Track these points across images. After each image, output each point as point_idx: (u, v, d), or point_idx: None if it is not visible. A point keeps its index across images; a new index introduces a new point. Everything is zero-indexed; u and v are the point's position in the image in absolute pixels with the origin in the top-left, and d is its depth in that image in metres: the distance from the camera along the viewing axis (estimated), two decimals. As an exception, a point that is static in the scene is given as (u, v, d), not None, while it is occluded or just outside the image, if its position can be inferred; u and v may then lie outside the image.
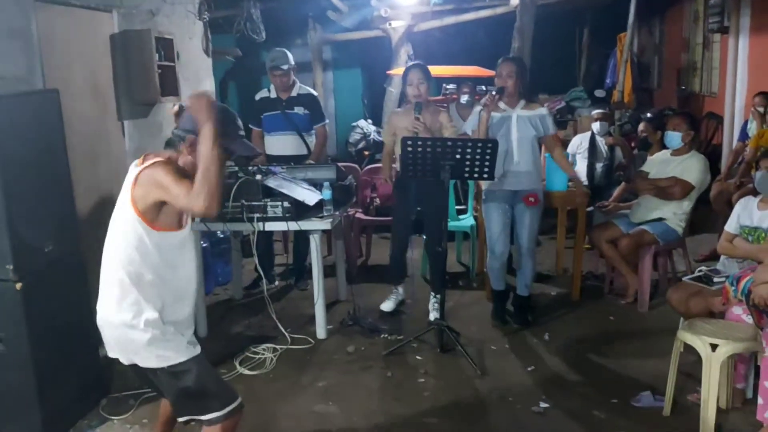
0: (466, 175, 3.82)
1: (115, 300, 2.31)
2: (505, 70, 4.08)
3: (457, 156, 3.69)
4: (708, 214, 5.66)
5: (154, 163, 2.26)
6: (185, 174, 2.24)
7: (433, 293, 4.43)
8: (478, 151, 3.68)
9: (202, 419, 2.37)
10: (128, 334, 2.29)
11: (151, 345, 2.28)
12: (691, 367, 3.40)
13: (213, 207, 2.15)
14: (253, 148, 2.66)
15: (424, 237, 4.68)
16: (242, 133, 2.50)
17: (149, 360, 2.32)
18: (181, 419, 2.46)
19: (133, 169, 2.31)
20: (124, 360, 2.38)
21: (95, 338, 3.36)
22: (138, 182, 2.24)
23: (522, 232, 4.23)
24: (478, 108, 4.29)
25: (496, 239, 4.20)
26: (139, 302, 2.27)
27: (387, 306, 4.53)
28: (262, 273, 3.98)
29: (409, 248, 4.58)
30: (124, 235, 2.28)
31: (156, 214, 2.26)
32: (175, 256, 2.35)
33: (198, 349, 2.40)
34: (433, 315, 4.34)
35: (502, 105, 4.11)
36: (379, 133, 8.15)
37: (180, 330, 2.38)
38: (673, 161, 4.49)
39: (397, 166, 4.29)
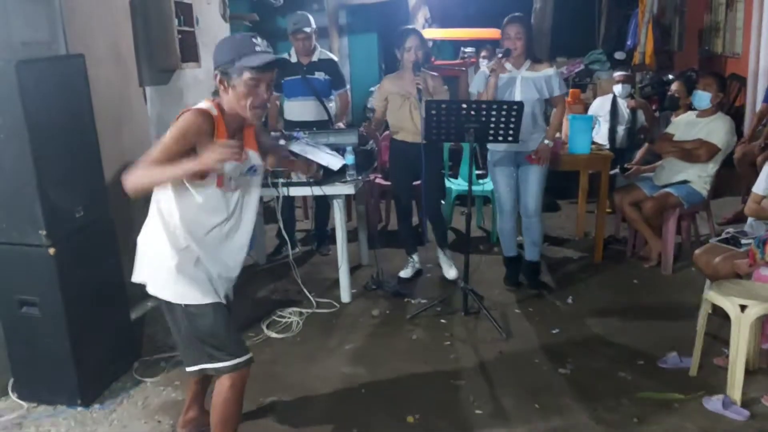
0: (491, 138, 3.80)
1: (152, 227, 2.34)
2: (512, 31, 3.97)
3: (482, 119, 3.67)
4: (731, 177, 5.60)
5: (188, 111, 2.24)
6: (191, 143, 2.18)
7: (440, 249, 4.55)
8: (503, 113, 3.65)
9: (210, 367, 2.37)
10: (160, 261, 2.30)
11: (177, 277, 2.29)
12: (716, 329, 3.42)
13: (128, 189, 2.16)
14: (271, 54, 2.37)
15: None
16: (260, 48, 2.28)
17: (174, 295, 2.32)
18: (190, 369, 2.44)
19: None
20: (151, 290, 2.37)
21: (127, 302, 3.45)
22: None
23: (526, 192, 4.14)
24: (483, 68, 4.24)
25: (504, 198, 4.19)
26: (169, 237, 2.28)
27: (405, 273, 4.57)
28: (287, 238, 3.99)
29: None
30: None
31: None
32: (201, 210, 2.30)
33: (219, 298, 2.38)
34: (446, 272, 4.49)
35: (508, 66, 4.04)
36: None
37: (211, 278, 2.36)
38: (698, 123, 4.43)
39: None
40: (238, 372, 2.39)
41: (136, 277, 2.43)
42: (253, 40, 2.29)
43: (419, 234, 4.97)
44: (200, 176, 2.24)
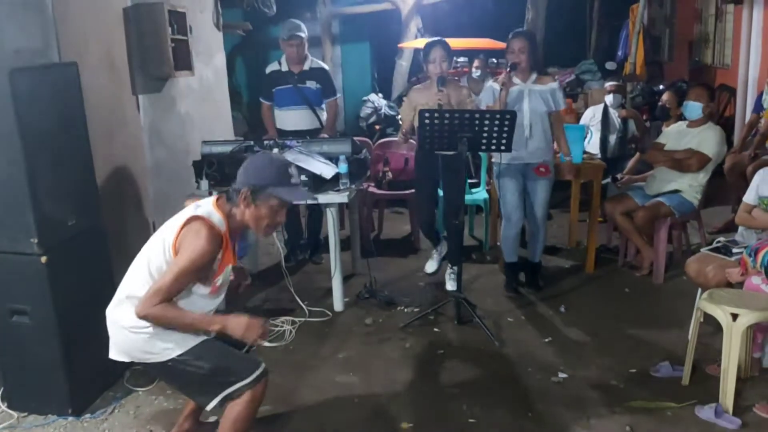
0: (483, 147, 3.81)
1: (121, 307, 2.40)
2: (517, 46, 4.06)
3: (475, 128, 3.68)
4: (721, 187, 5.63)
5: (205, 223, 2.28)
6: (210, 258, 2.30)
7: (450, 265, 4.46)
8: (496, 122, 3.67)
9: (231, 390, 2.37)
10: (131, 336, 2.37)
11: (152, 341, 2.35)
12: (708, 338, 3.43)
13: (145, 320, 2.28)
14: (305, 194, 2.69)
15: (437, 210, 4.69)
16: (295, 180, 2.43)
17: (159, 355, 2.37)
18: (211, 405, 2.41)
19: (192, 209, 2.36)
20: (140, 359, 2.43)
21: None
22: (186, 227, 2.29)
23: (535, 203, 4.29)
24: (490, 83, 4.29)
25: (512, 207, 4.23)
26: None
27: (431, 266, 4.57)
28: (281, 246, 3.99)
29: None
30: (150, 264, 2.35)
31: None
32: (187, 303, 2.40)
33: (200, 336, 2.42)
34: (449, 285, 4.40)
35: (515, 80, 4.12)
36: (390, 107, 8.10)
37: None
38: (689, 133, 4.47)
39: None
40: (258, 386, 2.41)
41: (117, 356, 2.47)
42: (290, 170, 2.42)
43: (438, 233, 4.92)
44: (203, 283, 2.38)
